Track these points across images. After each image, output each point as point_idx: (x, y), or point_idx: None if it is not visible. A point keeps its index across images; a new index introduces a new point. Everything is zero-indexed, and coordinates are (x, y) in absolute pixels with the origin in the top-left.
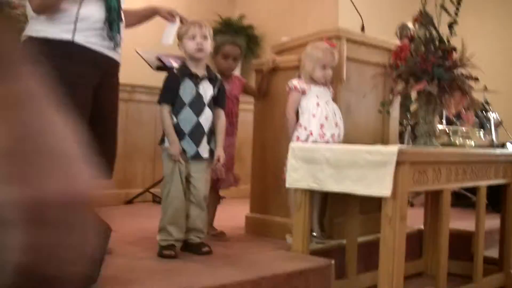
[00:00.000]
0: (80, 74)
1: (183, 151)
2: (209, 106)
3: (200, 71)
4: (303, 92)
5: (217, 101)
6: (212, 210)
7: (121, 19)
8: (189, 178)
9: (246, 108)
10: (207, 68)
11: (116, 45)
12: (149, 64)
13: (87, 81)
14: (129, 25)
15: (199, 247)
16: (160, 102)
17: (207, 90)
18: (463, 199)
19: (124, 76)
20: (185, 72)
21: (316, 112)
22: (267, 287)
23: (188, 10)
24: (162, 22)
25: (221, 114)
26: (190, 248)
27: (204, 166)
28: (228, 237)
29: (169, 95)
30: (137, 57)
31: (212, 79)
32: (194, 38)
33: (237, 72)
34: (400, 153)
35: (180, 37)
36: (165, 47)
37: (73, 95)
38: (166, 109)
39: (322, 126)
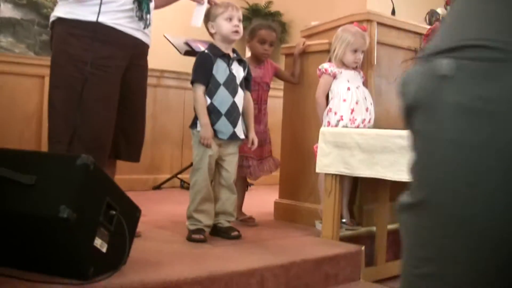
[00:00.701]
0: (109, 56)
1: (216, 134)
2: (241, 87)
3: (230, 52)
4: (334, 76)
5: (246, 84)
6: (241, 195)
7: None
8: (220, 161)
9: (275, 95)
10: (234, 50)
11: (146, 26)
12: (177, 49)
13: (116, 63)
14: (157, 6)
15: (228, 231)
16: (193, 82)
17: (239, 71)
18: None
19: (153, 62)
20: (217, 52)
21: (346, 97)
22: (297, 272)
23: None
24: (190, 7)
25: (250, 96)
26: (219, 232)
27: (236, 148)
28: (257, 223)
29: (203, 75)
30: (166, 42)
31: (241, 61)
32: (231, 20)
33: None
34: None
35: (213, 17)
36: (194, 32)
37: (103, 77)
38: (200, 89)
39: (352, 110)
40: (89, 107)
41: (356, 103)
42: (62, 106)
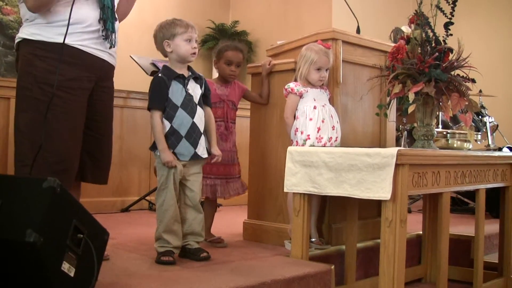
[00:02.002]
0: (75, 78)
1: (177, 157)
2: (200, 105)
3: (185, 71)
4: (300, 95)
5: (205, 100)
6: (210, 216)
7: (115, 18)
8: (184, 181)
9: (243, 114)
10: (189, 68)
11: (111, 45)
12: (144, 70)
13: (82, 85)
14: (121, 17)
15: (197, 253)
16: (150, 108)
17: (195, 90)
18: (460, 205)
19: (119, 82)
20: (171, 74)
21: (313, 116)
22: None
23: (181, 16)
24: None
25: (210, 112)
26: (188, 254)
27: (200, 168)
28: (226, 243)
29: (159, 100)
30: (132, 63)
31: (197, 78)
32: (190, 41)
33: None
34: (400, 154)
35: (171, 36)
36: (160, 53)
37: (68, 99)
38: (157, 114)
39: (319, 129)
40: (54, 130)
41: (322, 121)
42: (27, 129)
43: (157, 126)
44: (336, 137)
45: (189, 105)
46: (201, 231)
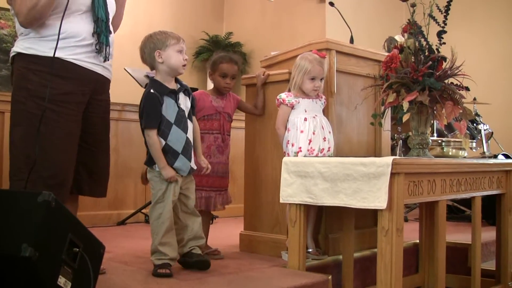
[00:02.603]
0: (69, 92)
1: (177, 171)
2: (189, 118)
3: (174, 85)
4: (292, 106)
5: (192, 111)
6: (206, 228)
7: (110, 31)
8: (181, 191)
9: (238, 126)
10: (176, 79)
11: (105, 59)
12: (138, 82)
13: (76, 98)
14: (116, 26)
15: (201, 261)
16: (145, 127)
17: (186, 103)
18: (456, 213)
19: (113, 95)
20: (164, 90)
21: (304, 128)
22: None
23: (175, 28)
24: None
25: (196, 123)
26: (194, 257)
27: (191, 175)
28: (223, 255)
29: (153, 118)
30: (126, 75)
31: (186, 90)
32: (181, 53)
33: None
34: (395, 163)
35: (163, 46)
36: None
37: (62, 113)
38: (154, 133)
39: (310, 141)
40: (48, 144)
41: (313, 133)
42: (22, 143)
43: (155, 144)
44: (329, 147)
45: (182, 121)
46: (202, 234)
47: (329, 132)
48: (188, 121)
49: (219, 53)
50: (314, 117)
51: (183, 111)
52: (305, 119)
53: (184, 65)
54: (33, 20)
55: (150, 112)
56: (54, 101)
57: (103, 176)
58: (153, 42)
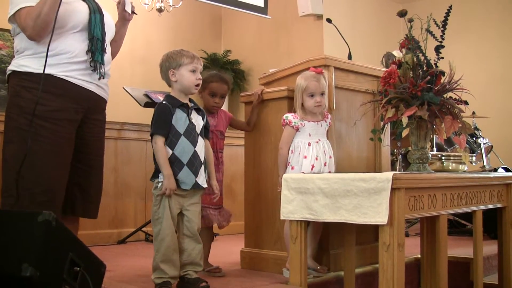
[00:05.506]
0: (60, 109)
1: (179, 185)
2: (201, 135)
3: (188, 102)
4: (297, 129)
5: (205, 132)
6: (207, 246)
7: (105, 50)
8: (184, 211)
9: (237, 143)
10: (190, 100)
11: (101, 77)
12: (137, 101)
13: (68, 116)
14: (114, 52)
15: (196, 283)
16: (153, 134)
17: (198, 120)
18: (457, 227)
19: (113, 114)
20: (176, 102)
21: (307, 153)
22: None
23: (173, 46)
24: (148, 59)
25: (209, 145)
26: (187, 284)
27: (199, 197)
28: (224, 273)
29: (163, 126)
30: (125, 94)
31: (199, 110)
32: (195, 72)
33: (224, 106)
34: (395, 179)
35: (177, 65)
36: (153, 84)
37: (53, 129)
38: (160, 140)
39: (313, 167)
40: (39, 160)
41: (316, 158)
42: (13, 160)
43: (161, 151)
44: (329, 171)
45: (191, 134)
46: (200, 261)
47: (330, 157)
48: (199, 137)
49: (209, 71)
50: (317, 141)
51: (194, 125)
52: (309, 144)
53: (197, 85)
54: (40, 30)
55: (158, 119)
56: (45, 117)
57: (96, 197)
58: (168, 61)
